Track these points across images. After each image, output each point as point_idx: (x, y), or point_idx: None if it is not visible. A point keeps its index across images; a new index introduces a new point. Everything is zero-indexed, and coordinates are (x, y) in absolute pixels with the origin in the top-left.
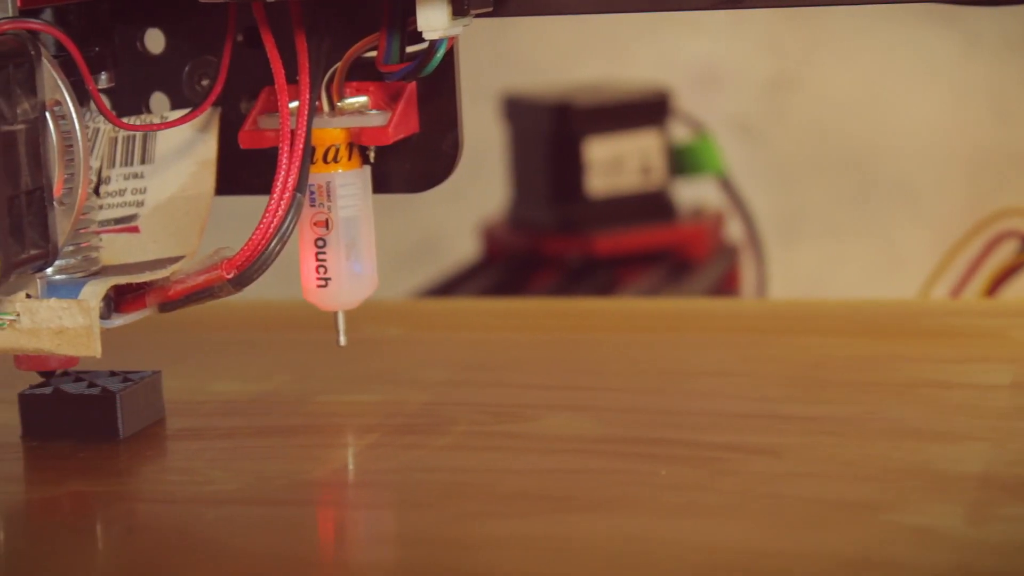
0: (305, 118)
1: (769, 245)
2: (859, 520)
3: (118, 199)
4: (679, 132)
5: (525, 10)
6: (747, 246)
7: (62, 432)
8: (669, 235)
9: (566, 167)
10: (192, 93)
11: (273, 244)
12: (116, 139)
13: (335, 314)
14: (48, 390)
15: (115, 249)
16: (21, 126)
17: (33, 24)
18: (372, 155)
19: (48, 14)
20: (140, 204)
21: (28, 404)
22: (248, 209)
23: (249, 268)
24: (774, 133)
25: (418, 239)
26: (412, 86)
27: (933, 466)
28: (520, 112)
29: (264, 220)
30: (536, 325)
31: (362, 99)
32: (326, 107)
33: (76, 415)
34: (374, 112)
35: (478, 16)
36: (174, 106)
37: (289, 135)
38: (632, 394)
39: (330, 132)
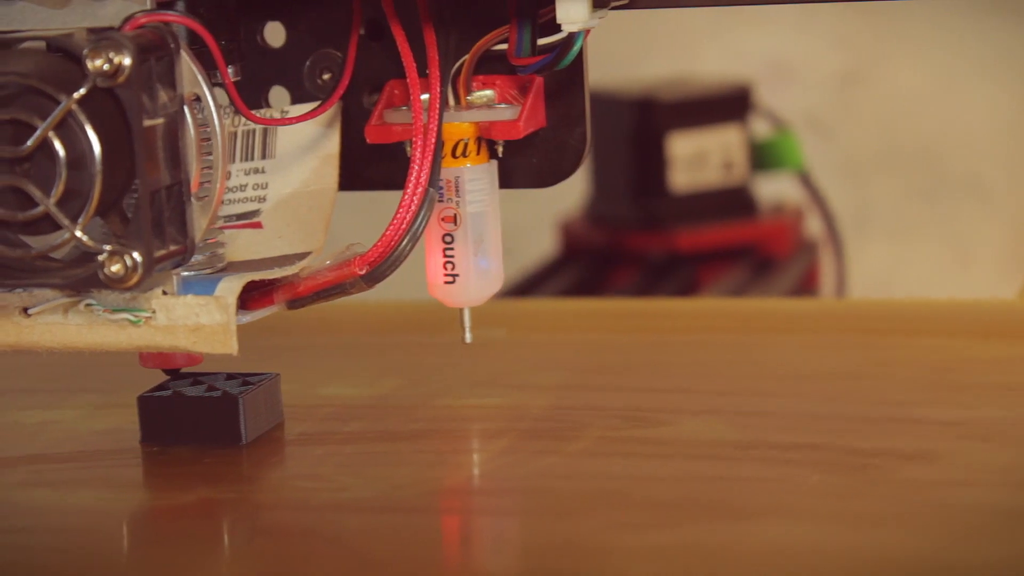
0: (436, 112)
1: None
2: None
3: (239, 195)
4: (759, 127)
5: (659, 2)
6: (825, 243)
7: (182, 437)
8: (750, 231)
9: (648, 162)
10: (313, 87)
11: (405, 241)
12: (235, 134)
13: (460, 311)
14: (168, 393)
15: (237, 245)
16: (161, 120)
17: (171, 16)
18: (501, 149)
19: (181, 6)
20: (262, 200)
21: (148, 407)
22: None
23: (381, 264)
24: (844, 128)
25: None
26: (540, 79)
27: None
28: (601, 107)
29: (397, 216)
30: (643, 327)
31: (489, 93)
32: (451, 101)
33: (197, 419)
34: (503, 106)
35: (614, 8)
36: (294, 100)
37: (422, 130)
38: (763, 397)
39: (459, 126)
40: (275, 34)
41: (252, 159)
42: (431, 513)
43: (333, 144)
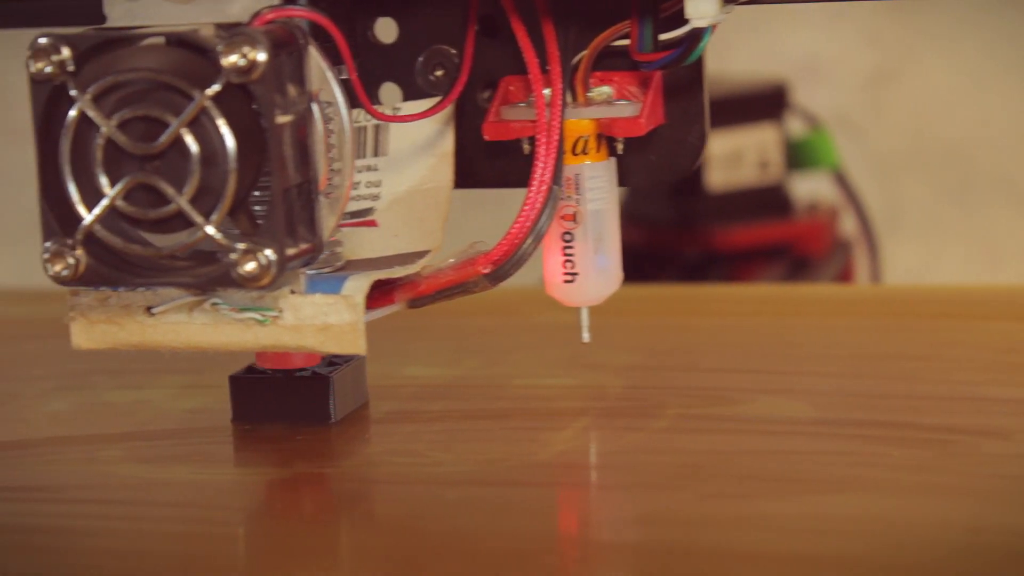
0: (559, 109)
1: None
2: None
3: (352, 192)
4: (794, 126)
5: None
6: (859, 241)
7: (272, 415)
8: (786, 230)
9: None
10: (426, 83)
11: (529, 239)
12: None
13: (578, 310)
14: (258, 373)
15: (352, 243)
16: (291, 117)
17: (299, 11)
18: (621, 146)
19: (305, 1)
20: (376, 198)
21: (239, 386)
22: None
23: (506, 263)
24: (874, 127)
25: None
26: (659, 75)
27: None
28: None
29: (522, 213)
30: (705, 310)
31: (607, 89)
32: (568, 98)
33: (287, 398)
34: (622, 102)
35: (741, 4)
36: (406, 97)
37: (545, 127)
38: (833, 378)
39: (579, 123)
40: (387, 30)
41: (364, 156)
42: (526, 486)
43: (448, 141)
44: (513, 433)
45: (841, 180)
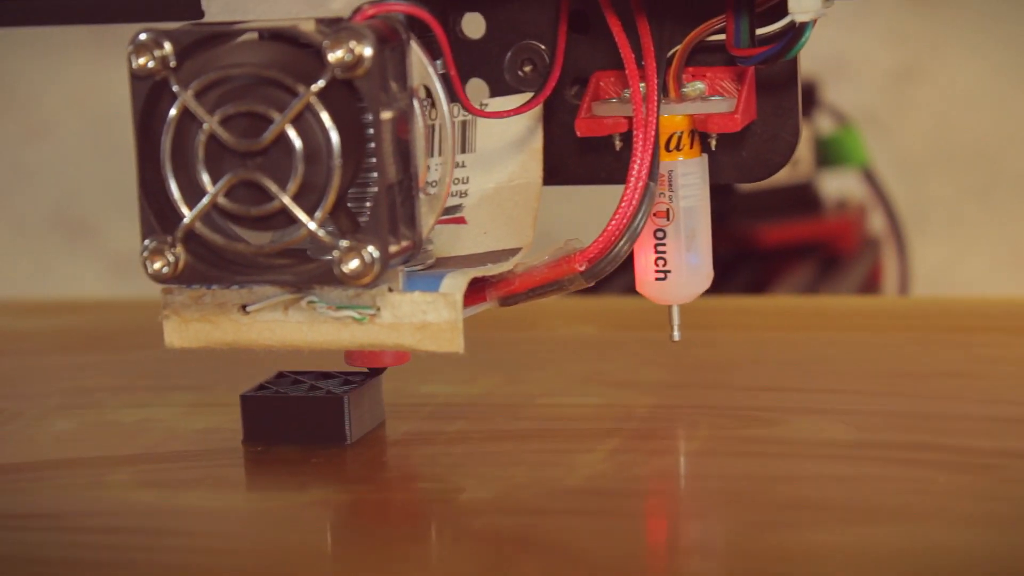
0: (655, 105)
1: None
2: None
3: None
4: (823, 123)
5: None
6: (888, 239)
7: (285, 436)
8: (816, 228)
9: None
10: (514, 79)
11: (625, 238)
12: (433, 127)
13: (668, 308)
14: (270, 392)
15: (441, 240)
16: (394, 113)
17: (401, 6)
18: (714, 143)
19: None
20: (464, 194)
21: (250, 407)
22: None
23: (601, 260)
24: (898, 125)
25: (556, 232)
26: (752, 71)
27: None
28: None
29: (620, 210)
30: (732, 323)
31: (701, 85)
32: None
33: (300, 419)
34: (717, 98)
35: None
36: (493, 93)
37: (642, 123)
38: (870, 397)
39: (673, 119)
40: (475, 26)
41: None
42: (554, 515)
43: (537, 138)
44: (538, 456)
45: (870, 178)
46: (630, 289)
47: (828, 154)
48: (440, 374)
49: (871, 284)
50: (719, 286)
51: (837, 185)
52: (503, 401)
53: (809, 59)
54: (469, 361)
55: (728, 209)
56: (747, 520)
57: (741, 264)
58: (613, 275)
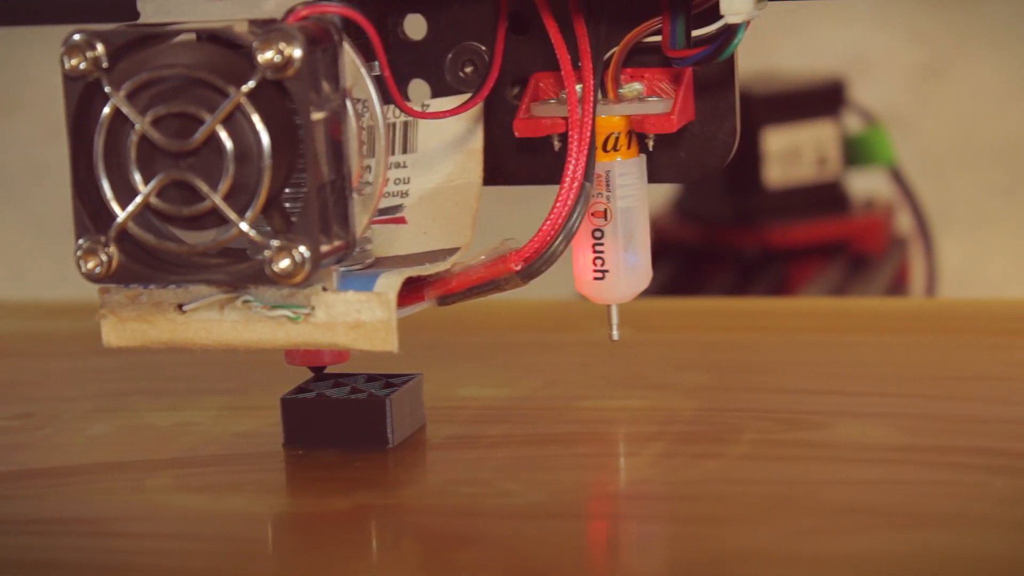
0: (591, 105)
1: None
2: None
3: None
4: (850, 122)
5: None
6: (915, 239)
7: (326, 440)
8: (843, 227)
9: (743, 157)
10: (455, 80)
11: (560, 237)
12: (375, 128)
13: (607, 308)
14: (312, 395)
15: (380, 240)
16: (325, 114)
17: (333, 8)
18: (652, 143)
19: None
20: (404, 195)
21: (291, 409)
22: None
23: (537, 260)
24: (922, 124)
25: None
26: (690, 72)
27: None
28: None
29: (555, 210)
30: (763, 325)
31: (638, 86)
32: (599, 95)
33: (341, 422)
34: (653, 99)
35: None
36: (435, 94)
37: (578, 123)
38: (914, 400)
39: (610, 120)
40: (416, 27)
41: (393, 153)
42: (604, 519)
43: (477, 138)
44: (583, 460)
45: (897, 177)
46: (660, 291)
47: (856, 153)
48: (478, 377)
49: (898, 284)
50: (743, 286)
51: (864, 184)
52: (544, 404)
53: (833, 59)
54: (506, 363)
55: (755, 208)
56: (798, 526)
57: (765, 265)
58: None
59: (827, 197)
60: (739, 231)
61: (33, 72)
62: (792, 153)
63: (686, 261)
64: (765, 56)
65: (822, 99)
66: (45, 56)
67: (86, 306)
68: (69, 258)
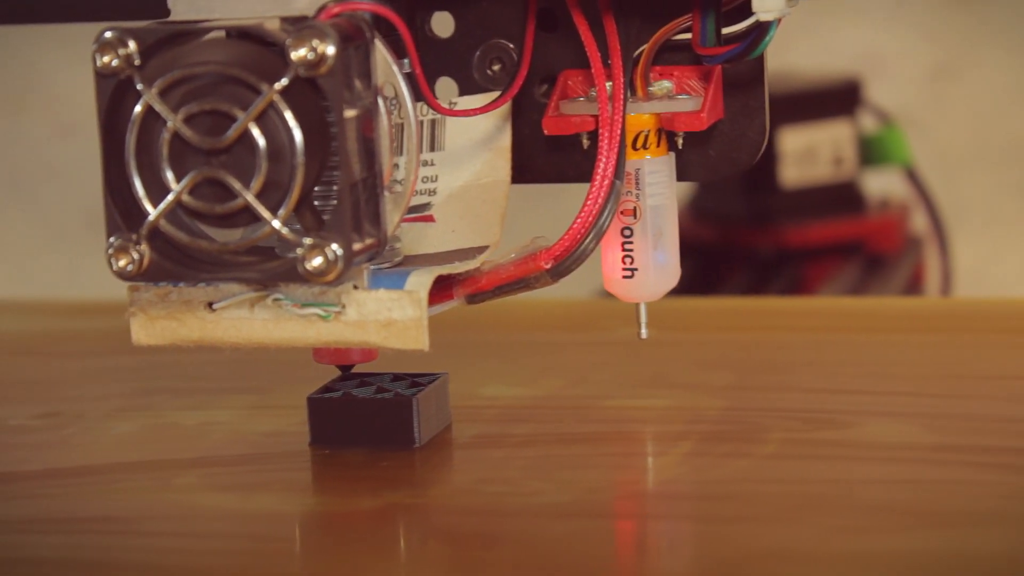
0: (621, 103)
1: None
2: None
3: None
4: (865, 122)
5: None
6: (930, 238)
7: (352, 439)
8: (859, 227)
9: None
10: (483, 78)
11: (591, 236)
12: (402, 126)
13: (636, 306)
14: (338, 395)
15: (408, 239)
16: (358, 111)
17: (365, 5)
18: (681, 141)
19: None
20: (432, 192)
21: (318, 409)
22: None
23: (567, 258)
24: (935, 123)
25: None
26: (719, 70)
27: None
28: None
29: (585, 208)
30: (784, 324)
31: (668, 84)
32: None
33: (368, 421)
34: (683, 97)
35: None
36: (462, 92)
37: (608, 121)
38: (940, 399)
39: (640, 118)
40: (443, 24)
41: (421, 151)
42: (635, 518)
43: (505, 136)
44: (611, 459)
45: (912, 176)
46: (677, 291)
47: (871, 153)
48: (502, 376)
49: (914, 284)
50: (759, 286)
51: (880, 184)
52: (569, 404)
53: (849, 59)
54: (530, 363)
55: (771, 208)
56: (827, 525)
57: (781, 264)
58: None
59: (843, 197)
60: (755, 231)
61: (42, 71)
62: (808, 153)
63: (702, 260)
64: (781, 56)
65: (838, 99)
66: (54, 55)
67: (102, 305)
68: (80, 257)
